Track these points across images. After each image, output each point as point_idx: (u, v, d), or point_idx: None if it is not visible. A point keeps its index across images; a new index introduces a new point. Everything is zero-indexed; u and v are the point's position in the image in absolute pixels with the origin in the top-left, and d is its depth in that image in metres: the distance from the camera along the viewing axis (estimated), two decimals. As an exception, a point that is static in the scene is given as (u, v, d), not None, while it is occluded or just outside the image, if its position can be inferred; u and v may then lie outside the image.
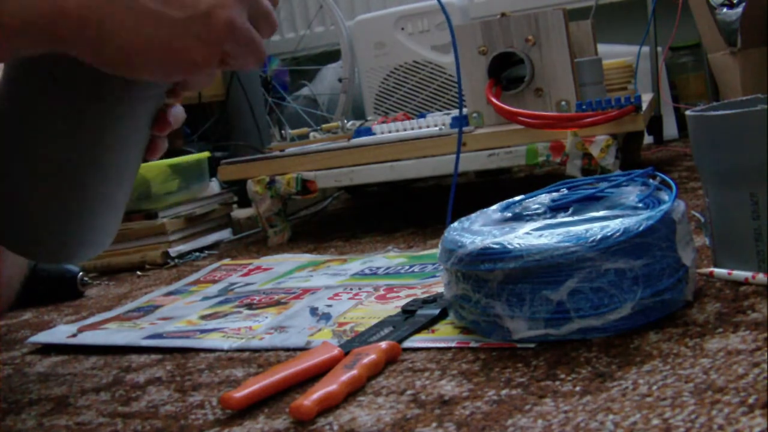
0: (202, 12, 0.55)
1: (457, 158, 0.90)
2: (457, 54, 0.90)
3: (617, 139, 1.18)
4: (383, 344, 0.71)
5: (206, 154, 1.61)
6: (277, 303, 0.97)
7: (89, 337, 0.95)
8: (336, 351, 0.72)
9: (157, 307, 1.06)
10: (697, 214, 0.94)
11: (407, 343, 0.75)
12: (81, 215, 0.67)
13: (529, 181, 1.69)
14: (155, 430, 0.66)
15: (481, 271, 0.69)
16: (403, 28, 1.71)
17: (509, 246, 0.68)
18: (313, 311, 0.90)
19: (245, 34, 0.58)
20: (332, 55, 2.24)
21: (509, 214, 0.82)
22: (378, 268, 1.07)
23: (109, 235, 0.72)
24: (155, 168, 1.48)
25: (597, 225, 0.68)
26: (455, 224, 0.79)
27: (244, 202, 1.57)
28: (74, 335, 0.96)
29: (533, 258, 0.66)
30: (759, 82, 1.37)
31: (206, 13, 0.55)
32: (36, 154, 0.63)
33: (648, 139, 1.79)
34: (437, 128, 1.32)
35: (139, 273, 1.40)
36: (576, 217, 0.76)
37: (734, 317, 0.67)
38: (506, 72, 1.29)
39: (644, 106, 1.22)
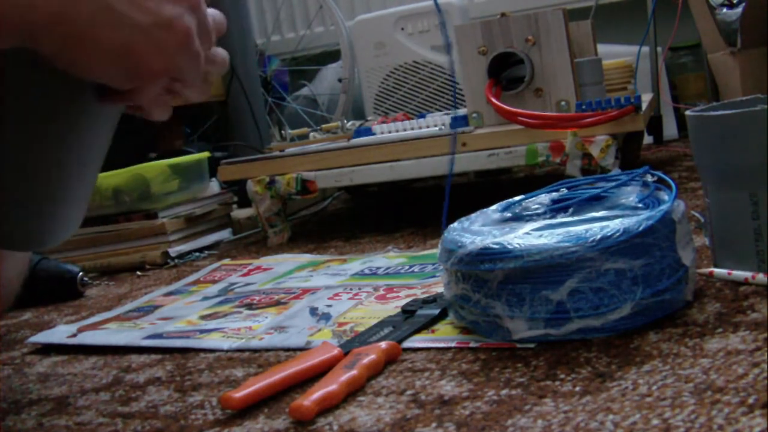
0: (165, 20, 0.55)
1: (451, 163, 0.90)
2: (451, 56, 0.90)
3: (617, 139, 1.18)
4: (383, 344, 0.71)
5: (206, 154, 1.61)
6: (277, 303, 0.97)
7: (89, 337, 0.95)
8: (336, 351, 0.72)
9: (157, 307, 1.06)
10: (697, 214, 0.94)
11: (407, 343, 0.75)
12: (43, 205, 0.67)
13: (529, 181, 1.69)
14: (155, 430, 0.66)
15: (481, 271, 0.69)
16: (403, 28, 1.71)
17: (509, 246, 0.68)
18: (313, 311, 0.90)
19: (196, 48, 0.58)
20: (332, 55, 2.24)
21: (509, 214, 0.82)
22: (378, 268, 1.07)
23: (72, 225, 0.72)
24: (155, 168, 1.48)
25: (597, 225, 0.68)
26: (455, 224, 0.79)
27: (244, 202, 1.57)
28: (74, 335, 0.96)
29: (533, 258, 0.66)
30: (759, 82, 1.37)
31: (168, 21, 0.55)
32: None
33: (648, 139, 1.79)
34: (437, 128, 1.32)
35: (139, 273, 1.40)
36: (576, 217, 0.76)
37: (734, 317, 0.67)
38: (506, 72, 1.29)
39: (644, 106, 1.22)
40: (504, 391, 0.60)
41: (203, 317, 0.96)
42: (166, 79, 0.59)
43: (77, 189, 0.69)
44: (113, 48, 0.54)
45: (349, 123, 1.55)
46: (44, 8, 0.51)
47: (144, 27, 0.54)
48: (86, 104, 0.64)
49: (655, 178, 0.80)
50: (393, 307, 0.86)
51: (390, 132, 1.37)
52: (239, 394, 0.65)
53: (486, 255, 0.69)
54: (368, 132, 1.40)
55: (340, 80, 1.91)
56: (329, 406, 0.62)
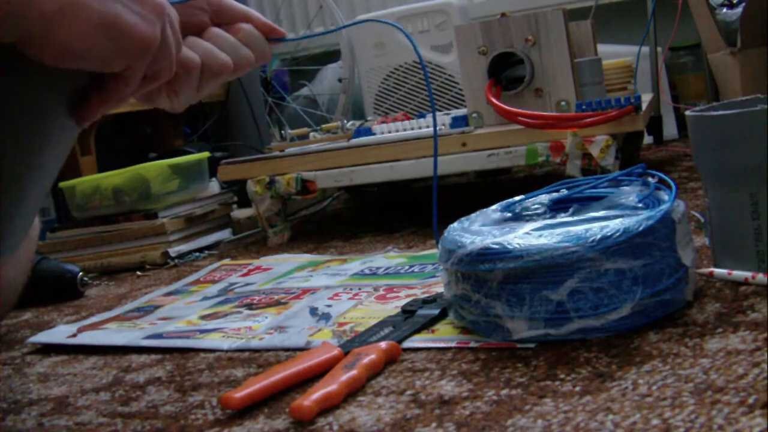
0: None
1: (435, 162, 0.90)
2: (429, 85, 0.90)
3: (617, 139, 1.18)
4: (383, 344, 0.71)
5: (206, 154, 1.61)
6: (277, 303, 0.97)
7: (89, 337, 0.95)
8: (336, 351, 0.72)
9: (157, 307, 1.06)
10: (697, 214, 0.94)
11: (407, 343, 0.75)
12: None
13: (529, 181, 1.69)
14: (155, 430, 0.66)
15: (481, 271, 0.69)
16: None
17: (509, 246, 0.68)
18: (313, 311, 0.90)
19: (174, 17, 0.59)
20: (332, 55, 2.24)
21: (509, 214, 0.82)
22: (378, 268, 1.07)
23: (19, 237, 0.72)
24: (155, 168, 1.48)
25: (597, 225, 0.68)
26: (455, 224, 0.79)
27: (244, 202, 1.57)
28: (74, 335, 0.96)
29: (533, 258, 0.66)
30: (759, 82, 1.37)
31: None
32: None
33: (648, 139, 1.79)
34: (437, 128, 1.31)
35: (139, 273, 1.40)
36: (576, 217, 0.76)
37: (734, 317, 0.67)
38: (506, 72, 1.29)
39: (644, 106, 1.22)
40: (504, 391, 0.60)
41: (203, 317, 0.96)
42: (148, 62, 0.58)
43: (27, 203, 0.69)
44: (97, 22, 0.53)
45: (349, 123, 1.55)
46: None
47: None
48: (50, 125, 0.63)
49: (656, 179, 0.79)
50: (393, 307, 0.86)
51: (390, 132, 1.37)
52: (239, 394, 0.65)
53: (486, 255, 0.69)
54: (368, 132, 1.40)
55: (340, 80, 1.91)
56: (329, 406, 0.62)
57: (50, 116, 0.62)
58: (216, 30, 0.68)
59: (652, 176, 0.80)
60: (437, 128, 1.31)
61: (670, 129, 1.88)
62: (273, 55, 2.52)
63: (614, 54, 1.64)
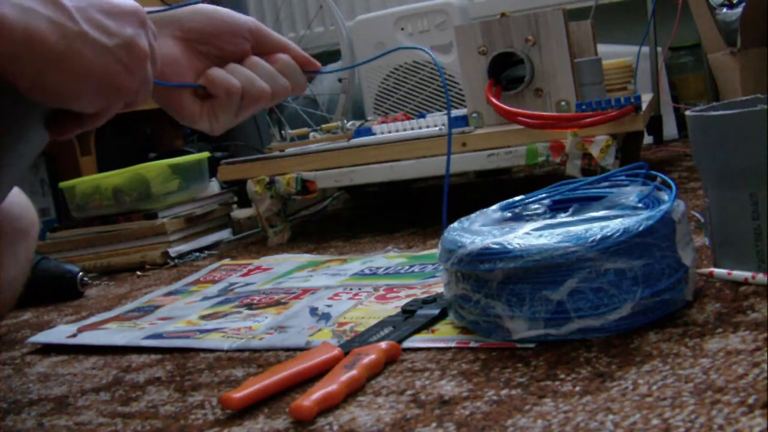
0: (128, 39, 0.57)
1: (448, 163, 0.90)
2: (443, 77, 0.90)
3: (617, 139, 1.18)
4: (383, 344, 0.71)
5: (206, 154, 1.61)
6: (277, 303, 0.97)
7: (89, 337, 0.95)
8: (336, 351, 0.72)
9: (157, 307, 1.06)
10: (697, 214, 0.94)
11: (407, 343, 0.75)
12: None
13: (529, 181, 1.69)
14: (155, 430, 0.66)
15: (481, 271, 0.69)
16: (403, 28, 1.71)
17: (509, 246, 0.68)
18: (313, 311, 0.90)
19: (149, 67, 0.60)
20: (332, 55, 2.24)
21: (509, 214, 0.82)
22: (378, 268, 1.07)
23: None
24: (155, 168, 1.48)
25: (597, 225, 0.68)
26: (455, 224, 0.79)
27: (244, 202, 1.57)
28: (74, 335, 0.96)
29: (533, 258, 0.66)
30: (759, 82, 1.37)
31: (130, 40, 0.57)
32: None
33: (648, 139, 1.79)
34: (437, 128, 1.32)
35: (139, 273, 1.40)
36: (576, 217, 0.76)
37: (734, 317, 0.67)
38: (506, 72, 1.29)
39: (644, 106, 1.22)
40: (504, 391, 0.60)
41: (203, 317, 0.96)
42: (134, 93, 0.60)
43: None
44: (87, 72, 0.55)
45: (349, 123, 1.54)
46: (18, 34, 0.51)
47: (110, 48, 0.56)
48: (23, 132, 0.64)
49: (658, 179, 0.79)
50: (393, 307, 0.86)
51: (390, 132, 1.37)
52: (239, 394, 0.65)
53: (486, 255, 0.69)
54: (368, 132, 1.40)
55: (340, 80, 1.91)
56: (329, 406, 0.62)
57: (29, 130, 0.63)
58: (256, 59, 0.72)
59: (653, 178, 0.80)
60: (437, 128, 1.32)
61: (670, 129, 1.88)
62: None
63: (614, 54, 1.64)
